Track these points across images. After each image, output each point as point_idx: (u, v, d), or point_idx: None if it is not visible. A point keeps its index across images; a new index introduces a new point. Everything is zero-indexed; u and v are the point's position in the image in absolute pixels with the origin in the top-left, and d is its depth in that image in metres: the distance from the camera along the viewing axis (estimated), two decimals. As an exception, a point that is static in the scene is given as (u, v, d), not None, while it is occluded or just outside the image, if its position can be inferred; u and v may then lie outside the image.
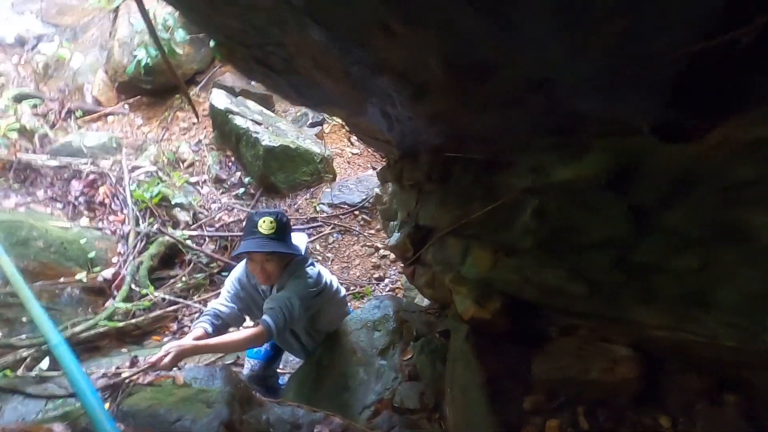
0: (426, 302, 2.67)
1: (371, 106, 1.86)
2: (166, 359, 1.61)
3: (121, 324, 3.24)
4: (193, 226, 4.41)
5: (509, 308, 1.60)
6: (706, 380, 1.42)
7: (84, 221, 4.23)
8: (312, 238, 4.42)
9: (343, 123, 2.77)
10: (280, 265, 2.00)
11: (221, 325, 2.01)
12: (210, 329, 1.93)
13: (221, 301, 2.09)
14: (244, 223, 1.81)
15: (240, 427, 1.37)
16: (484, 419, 1.47)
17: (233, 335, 1.97)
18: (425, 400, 1.85)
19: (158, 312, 3.63)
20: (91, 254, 3.80)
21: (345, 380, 2.09)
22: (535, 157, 1.32)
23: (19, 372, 2.59)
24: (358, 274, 4.21)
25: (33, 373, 2.66)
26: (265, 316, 1.89)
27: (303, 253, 2.11)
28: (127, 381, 1.48)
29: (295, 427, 1.54)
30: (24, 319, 3.15)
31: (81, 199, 4.42)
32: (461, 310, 1.63)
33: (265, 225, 1.89)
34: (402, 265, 2.69)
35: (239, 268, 2.19)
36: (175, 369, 1.58)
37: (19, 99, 5.61)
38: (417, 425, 1.66)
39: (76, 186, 4.51)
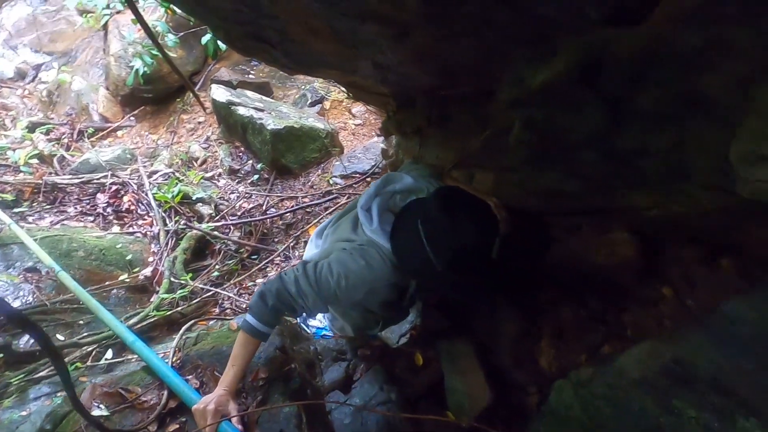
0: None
1: (362, 60, 2.00)
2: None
3: (168, 313, 3.48)
4: (216, 218, 4.63)
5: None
6: (701, 249, 1.56)
7: (115, 229, 4.47)
8: (330, 210, 4.60)
9: (340, 85, 2.90)
10: None
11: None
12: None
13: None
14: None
15: (292, 354, 1.56)
16: (507, 316, 1.64)
17: None
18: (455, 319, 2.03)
19: (199, 299, 3.89)
20: (128, 257, 4.04)
21: (380, 318, 2.27)
22: (514, 72, 1.45)
23: (89, 363, 2.85)
24: (378, 236, 4.38)
25: (101, 362, 2.93)
26: None
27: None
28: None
29: (340, 353, 1.73)
30: (81, 322, 3.43)
31: (109, 210, 4.66)
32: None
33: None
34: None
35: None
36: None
37: (31, 128, 5.86)
38: (450, 339, 1.83)
39: (102, 198, 4.76)
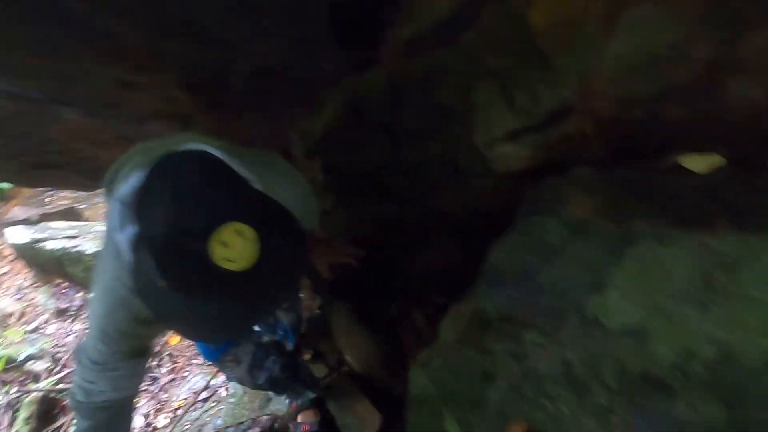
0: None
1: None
2: None
3: (26, 499, 2.93)
4: (56, 369, 4.06)
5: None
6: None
7: (-75, 432, 3.65)
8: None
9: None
10: None
11: None
12: None
13: None
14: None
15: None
16: (365, 336, 1.77)
17: None
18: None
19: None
20: (-47, 457, 3.33)
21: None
22: (299, 128, 1.63)
23: None
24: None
25: None
26: None
27: None
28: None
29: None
30: None
31: None
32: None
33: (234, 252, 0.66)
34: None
35: None
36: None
37: None
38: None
39: None
